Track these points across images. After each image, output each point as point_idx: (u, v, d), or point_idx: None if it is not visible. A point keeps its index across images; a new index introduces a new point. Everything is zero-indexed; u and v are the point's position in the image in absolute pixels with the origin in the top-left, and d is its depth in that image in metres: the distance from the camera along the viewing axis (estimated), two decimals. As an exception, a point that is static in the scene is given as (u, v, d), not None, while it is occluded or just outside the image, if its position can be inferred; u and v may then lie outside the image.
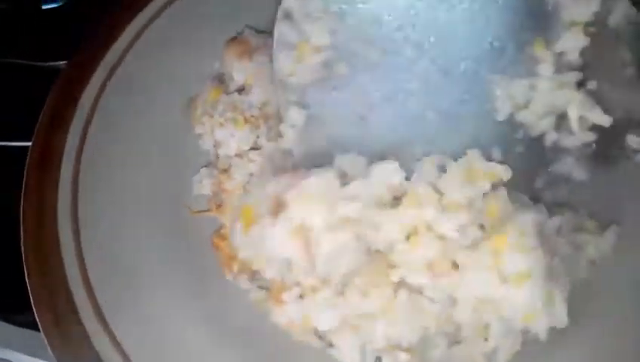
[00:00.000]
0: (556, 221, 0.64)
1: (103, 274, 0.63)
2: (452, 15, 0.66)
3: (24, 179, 0.66)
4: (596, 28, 0.66)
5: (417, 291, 0.61)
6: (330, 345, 0.62)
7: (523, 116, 0.67)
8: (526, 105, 0.67)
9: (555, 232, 0.63)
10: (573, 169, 0.67)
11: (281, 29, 0.66)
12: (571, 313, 0.60)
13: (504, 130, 0.67)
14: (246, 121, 0.71)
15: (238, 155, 0.71)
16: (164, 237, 0.68)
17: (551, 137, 0.67)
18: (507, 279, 0.58)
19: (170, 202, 0.70)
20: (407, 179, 0.61)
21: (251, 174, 0.70)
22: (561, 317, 0.59)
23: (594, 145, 0.67)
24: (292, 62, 0.67)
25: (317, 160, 0.63)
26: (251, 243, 0.63)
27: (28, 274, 0.61)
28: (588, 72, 0.66)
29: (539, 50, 0.66)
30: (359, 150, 0.63)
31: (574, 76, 0.66)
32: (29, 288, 0.61)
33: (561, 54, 0.66)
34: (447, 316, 0.60)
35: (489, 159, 0.64)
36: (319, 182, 0.60)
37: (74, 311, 0.61)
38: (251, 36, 0.76)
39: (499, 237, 0.59)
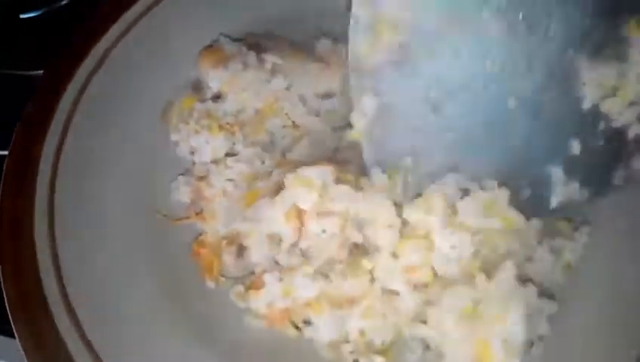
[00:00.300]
0: (537, 225, 0.64)
1: (81, 285, 0.63)
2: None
3: (1, 186, 0.66)
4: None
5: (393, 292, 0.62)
6: (308, 323, 0.64)
7: (608, 105, 0.62)
8: (614, 93, 0.61)
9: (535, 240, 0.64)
10: None
11: (357, 9, 0.59)
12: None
13: (587, 120, 0.62)
14: (221, 128, 0.72)
15: (214, 162, 0.72)
16: (142, 244, 0.68)
17: (635, 130, 0.62)
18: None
19: (148, 210, 0.70)
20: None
21: (230, 180, 0.71)
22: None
23: None
24: (368, 44, 0.60)
25: (387, 156, 0.61)
26: (251, 219, 0.66)
27: (4, 282, 0.61)
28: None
29: (633, 33, 0.60)
30: (431, 142, 0.61)
31: None
32: (5, 297, 0.61)
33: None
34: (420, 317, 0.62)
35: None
36: (317, 171, 0.63)
37: (50, 320, 0.61)
38: (226, 44, 0.77)
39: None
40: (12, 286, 0.61)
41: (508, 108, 0.62)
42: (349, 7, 0.59)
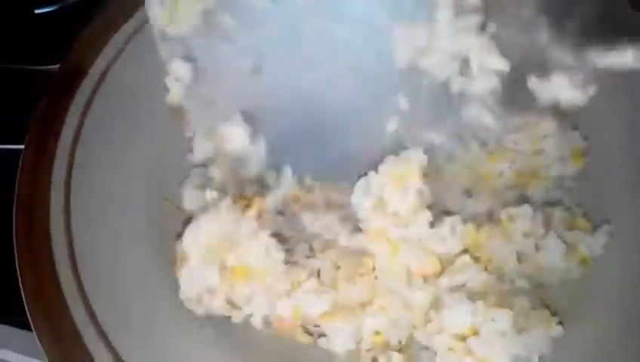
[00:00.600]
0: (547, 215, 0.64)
1: (98, 279, 0.63)
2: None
3: (17, 181, 0.67)
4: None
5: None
6: (320, 335, 0.63)
7: (426, 63, 0.64)
8: (427, 51, 0.64)
9: (545, 228, 0.64)
10: (482, 114, 0.66)
11: None
12: (563, 315, 0.61)
13: (408, 77, 0.64)
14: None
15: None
16: (157, 236, 0.68)
17: (457, 83, 0.65)
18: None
19: (163, 201, 0.70)
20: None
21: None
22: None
23: (499, 90, 0.65)
24: (168, 10, 0.63)
25: (211, 115, 0.61)
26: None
27: (20, 274, 0.61)
28: (488, 14, 0.63)
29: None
30: (255, 102, 0.62)
31: (474, 19, 0.63)
32: (22, 292, 0.61)
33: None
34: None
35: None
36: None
37: (68, 316, 0.61)
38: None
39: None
40: (28, 277, 0.61)
41: (327, 67, 0.64)
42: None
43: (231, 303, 0.63)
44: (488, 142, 0.69)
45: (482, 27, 0.63)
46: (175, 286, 0.63)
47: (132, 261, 0.65)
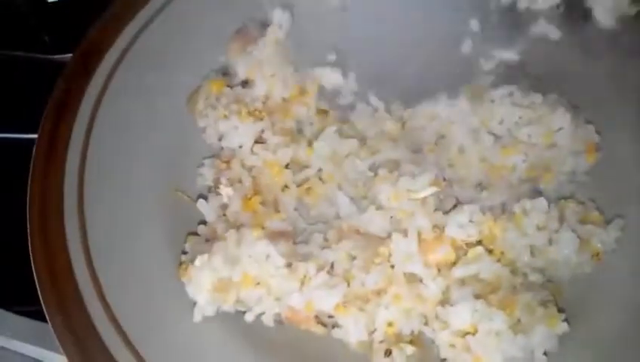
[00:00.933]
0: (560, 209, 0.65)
1: (110, 265, 0.63)
2: None
3: (30, 169, 0.67)
4: None
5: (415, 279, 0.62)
6: (334, 326, 0.63)
7: None
8: None
9: (558, 220, 0.64)
10: (548, 30, 0.76)
11: None
12: (573, 309, 0.61)
13: (478, 1, 0.76)
14: (249, 113, 0.71)
15: (242, 148, 0.71)
16: (170, 227, 0.68)
17: (522, 3, 0.77)
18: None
19: (176, 193, 0.70)
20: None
21: (251, 168, 0.71)
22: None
23: (561, 7, 0.77)
24: None
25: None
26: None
27: (34, 264, 0.61)
28: None
29: None
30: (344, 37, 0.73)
31: None
32: (35, 277, 0.61)
33: None
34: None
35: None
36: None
37: (80, 301, 0.61)
38: (253, 29, 0.76)
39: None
40: (42, 267, 0.61)
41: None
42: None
43: (241, 303, 0.64)
44: (502, 135, 0.70)
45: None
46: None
47: (147, 251, 0.65)
